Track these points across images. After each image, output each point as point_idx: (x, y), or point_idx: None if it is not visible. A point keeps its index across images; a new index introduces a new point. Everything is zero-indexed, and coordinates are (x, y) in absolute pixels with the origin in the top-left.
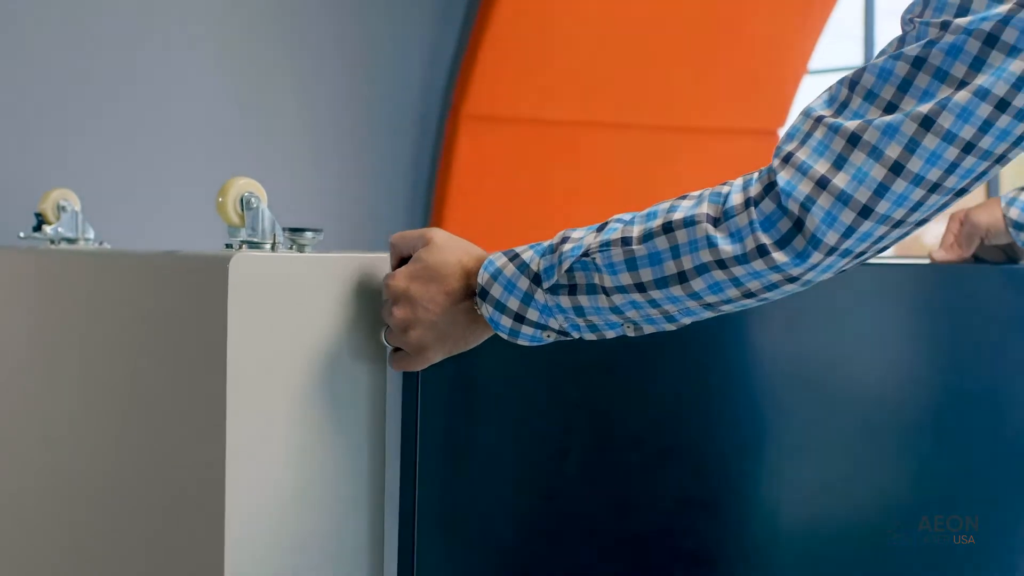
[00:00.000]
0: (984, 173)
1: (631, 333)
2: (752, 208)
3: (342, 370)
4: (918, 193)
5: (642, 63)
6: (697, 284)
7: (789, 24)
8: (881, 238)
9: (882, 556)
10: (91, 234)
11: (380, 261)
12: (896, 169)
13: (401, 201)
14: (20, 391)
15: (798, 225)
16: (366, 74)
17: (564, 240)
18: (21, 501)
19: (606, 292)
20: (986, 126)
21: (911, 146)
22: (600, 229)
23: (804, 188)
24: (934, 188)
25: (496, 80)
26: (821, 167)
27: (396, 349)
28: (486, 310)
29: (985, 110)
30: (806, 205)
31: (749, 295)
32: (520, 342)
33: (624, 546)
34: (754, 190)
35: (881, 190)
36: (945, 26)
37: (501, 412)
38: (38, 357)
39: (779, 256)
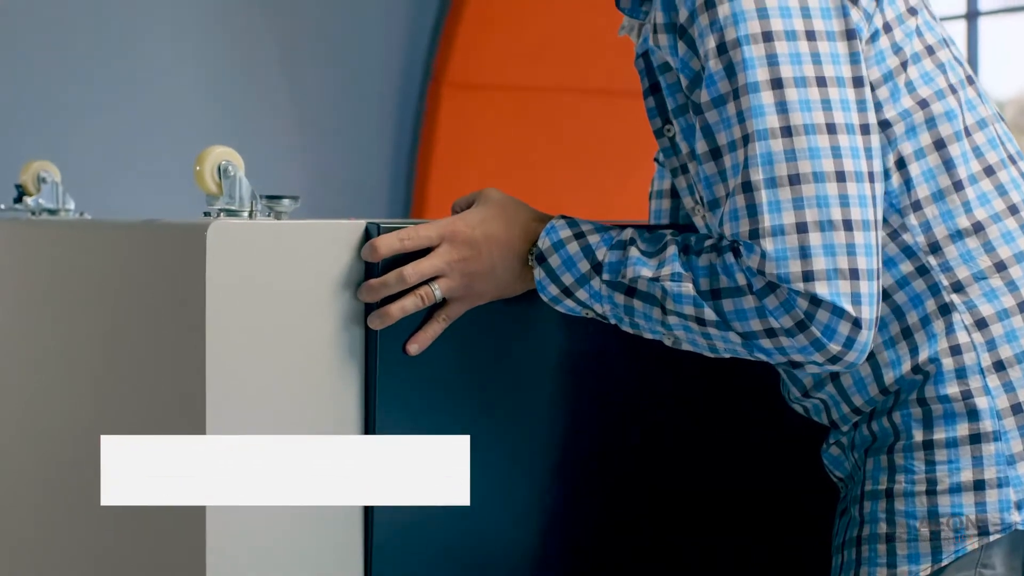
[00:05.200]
0: None
1: (669, 343)
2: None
3: (320, 337)
4: None
5: None
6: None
7: None
8: None
9: None
10: (71, 205)
11: (357, 228)
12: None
13: (384, 169)
14: (0, 360)
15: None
16: (347, 42)
17: (632, 242)
18: (1, 469)
19: (664, 310)
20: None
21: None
22: (658, 241)
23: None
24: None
25: (478, 47)
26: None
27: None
28: (538, 273)
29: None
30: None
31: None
32: (557, 309)
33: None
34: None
35: None
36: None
37: (457, 388)
38: (19, 327)
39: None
